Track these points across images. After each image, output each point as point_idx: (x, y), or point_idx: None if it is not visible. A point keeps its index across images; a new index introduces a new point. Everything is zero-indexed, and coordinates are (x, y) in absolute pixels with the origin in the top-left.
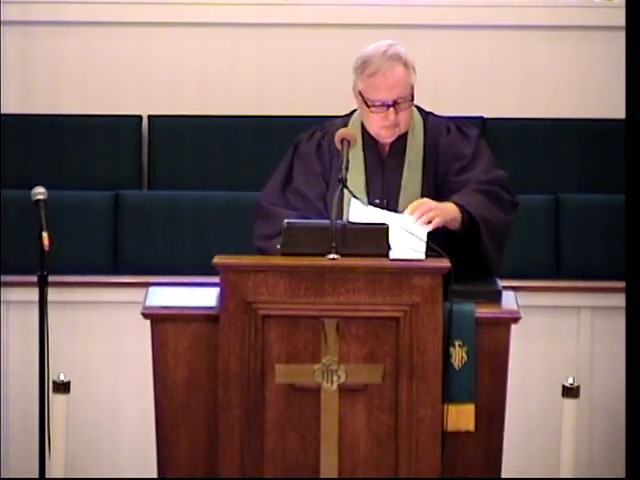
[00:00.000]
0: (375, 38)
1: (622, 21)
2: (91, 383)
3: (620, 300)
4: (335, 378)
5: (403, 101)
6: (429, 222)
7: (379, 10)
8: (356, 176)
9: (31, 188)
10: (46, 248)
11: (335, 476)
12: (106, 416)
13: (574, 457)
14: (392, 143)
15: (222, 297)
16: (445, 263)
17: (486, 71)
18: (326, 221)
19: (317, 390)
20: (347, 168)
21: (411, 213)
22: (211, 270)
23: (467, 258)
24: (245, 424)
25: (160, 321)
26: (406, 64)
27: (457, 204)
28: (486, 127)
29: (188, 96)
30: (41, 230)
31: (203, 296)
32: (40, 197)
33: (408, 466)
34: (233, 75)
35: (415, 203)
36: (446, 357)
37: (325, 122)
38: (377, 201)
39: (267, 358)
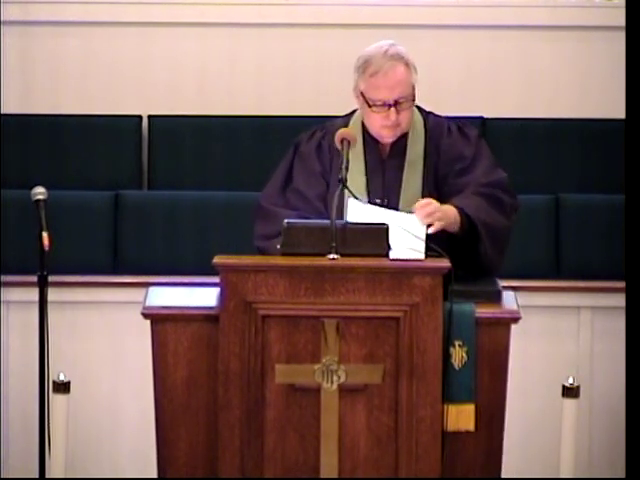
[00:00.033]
0: (375, 38)
1: (622, 21)
2: (91, 383)
3: (620, 300)
4: (335, 378)
5: (404, 101)
6: (431, 224)
7: (379, 10)
8: (356, 176)
9: (31, 188)
10: (46, 248)
11: (335, 476)
12: (106, 416)
13: (574, 457)
14: (393, 143)
15: (222, 297)
16: (445, 263)
17: (486, 71)
18: (326, 221)
19: (317, 390)
20: (347, 168)
21: (418, 211)
22: (211, 270)
23: (466, 260)
24: (245, 424)
25: (160, 321)
26: (407, 64)
27: (457, 207)
28: (486, 127)
29: (188, 96)
30: (41, 230)
31: (203, 296)
32: (40, 197)
33: (408, 466)
34: (233, 75)
35: (422, 202)
36: (446, 357)
37: (326, 122)
38: (378, 201)
39: (267, 358)
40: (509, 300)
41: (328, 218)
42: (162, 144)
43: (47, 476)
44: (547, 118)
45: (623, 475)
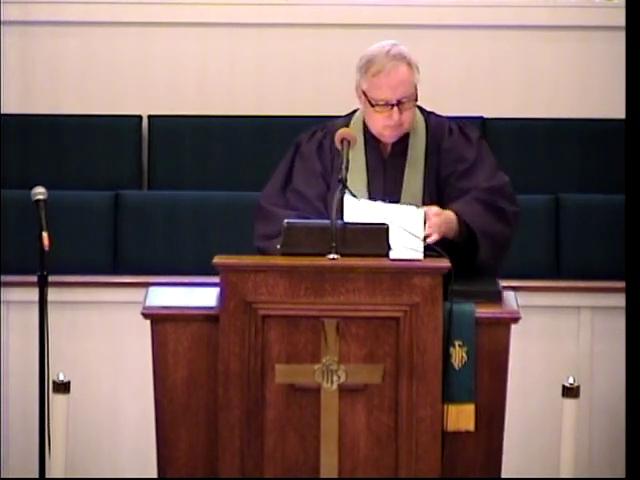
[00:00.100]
0: (375, 38)
1: (622, 21)
2: (91, 383)
3: (620, 300)
4: (335, 378)
5: (407, 100)
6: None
7: (379, 10)
8: (357, 176)
9: (31, 188)
10: (46, 248)
11: (335, 476)
12: (106, 416)
13: (574, 457)
14: (394, 143)
15: (222, 297)
16: (445, 263)
17: (486, 71)
18: (326, 221)
19: (317, 390)
20: (347, 168)
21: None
22: (211, 270)
23: (464, 264)
24: (245, 424)
25: (160, 321)
26: (410, 64)
27: (456, 214)
28: (486, 127)
29: (188, 96)
30: (41, 230)
31: (203, 296)
32: (40, 197)
33: (408, 466)
34: (233, 75)
35: (435, 210)
36: (446, 357)
37: (326, 122)
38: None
39: (267, 358)
40: (509, 300)
41: (328, 218)
42: (162, 144)
43: (47, 476)
44: (547, 118)
45: (623, 475)
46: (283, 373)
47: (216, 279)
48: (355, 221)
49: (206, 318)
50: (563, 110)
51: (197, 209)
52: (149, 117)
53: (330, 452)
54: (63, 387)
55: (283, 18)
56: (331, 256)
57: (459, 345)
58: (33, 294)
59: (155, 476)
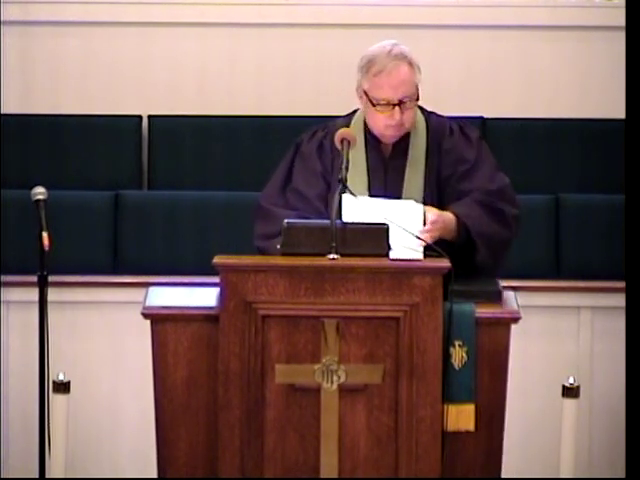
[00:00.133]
0: (375, 38)
1: (622, 21)
2: (91, 383)
3: (620, 300)
4: (335, 378)
5: (408, 100)
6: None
7: (379, 10)
8: (358, 176)
9: (31, 188)
10: (46, 248)
11: (335, 476)
12: (106, 416)
13: (574, 457)
14: (394, 143)
15: (222, 297)
16: (445, 263)
17: (486, 71)
18: (326, 221)
19: (317, 390)
20: (347, 168)
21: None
22: (211, 270)
23: (463, 265)
24: (245, 424)
25: (160, 321)
26: (411, 63)
27: (456, 215)
28: (486, 127)
29: (188, 96)
30: (41, 230)
31: (203, 296)
32: (40, 197)
33: (408, 466)
34: (233, 75)
35: (434, 218)
36: (446, 357)
37: (327, 122)
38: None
39: (267, 358)
40: (509, 300)
41: (328, 218)
42: (162, 144)
43: (47, 476)
44: (547, 118)
45: (623, 475)
46: (283, 373)
47: (216, 279)
48: (355, 220)
49: (206, 318)
50: (563, 110)
51: (197, 209)
52: (149, 117)
53: (330, 452)
54: (63, 387)
55: (283, 18)
56: (331, 256)
57: (459, 345)
58: (33, 294)
59: (155, 476)
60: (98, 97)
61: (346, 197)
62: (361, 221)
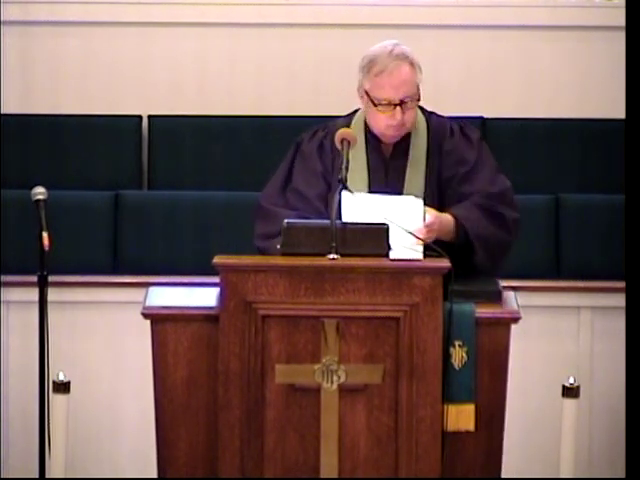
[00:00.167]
0: (375, 38)
1: (622, 21)
2: (91, 383)
3: (620, 300)
4: (335, 378)
5: (409, 100)
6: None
7: (379, 10)
8: (358, 176)
9: (31, 188)
10: (46, 248)
11: (335, 476)
12: (106, 416)
13: (574, 457)
14: (395, 143)
15: (222, 297)
16: (445, 263)
17: (486, 71)
18: (326, 221)
19: (317, 390)
20: (347, 168)
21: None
22: (211, 270)
23: (462, 265)
24: (245, 424)
25: (160, 321)
26: (412, 63)
27: (455, 218)
28: (486, 127)
29: (188, 96)
30: (41, 230)
31: (203, 296)
32: (40, 197)
33: (408, 466)
34: (233, 75)
35: (430, 222)
36: (446, 357)
37: (328, 122)
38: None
39: (267, 358)
40: (509, 300)
41: (328, 218)
42: (162, 144)
43: (47, 476)
44: (547, 118)
45: (623, 475)
46: (283, 373)
47: (216, 279)
48: (354, 217)
49: (206, 318)
50: (563, 110)
51: (197, 209)
52: (149, 117)
53: (330, 452)
54: (63, 387)
55: (283, 18)
56: (331, 256)
57: (459, 345)
58: (33, 294)
59: (155, 476)
60: (98, 97)
61: (345, 194)
62: (361, 219)
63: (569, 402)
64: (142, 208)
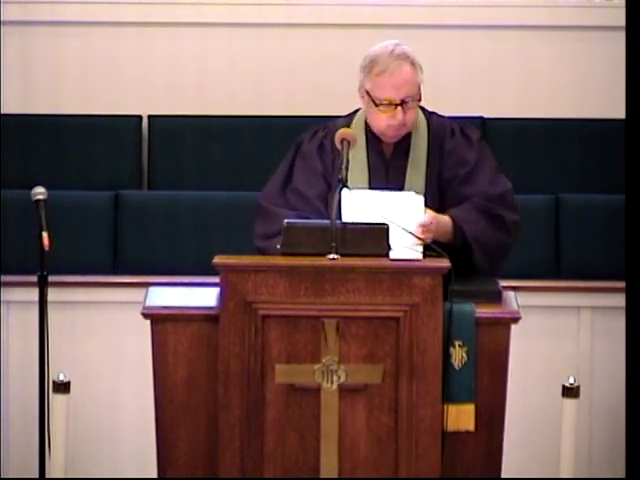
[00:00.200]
0: (375, 38)
1: (622, 21)
2: (91, 383)
3: (620, 300)
4: (335, 378)
5: (411, 100)
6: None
7: (379, 10)
8: (359, 176)
9: (31, 188)
10: (46, 248)
11: (335, 476)
12: (106, 416)
13: (574, 457)
14: (396, 143)
15: (222, 297)
16: (445, 263)
17: (486, 71)
18: (326, 221)
19: (317, 390)
20: (347, 168)
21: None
22: (211, 270)
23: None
24: (245, 424)
25: (160, 321)
26: (413, 63)
27: (453, 220)
28: (486, 127)
29: (188, 96)
30: (41, 230)
31: (203, 296)
32: (40, 197)
33: (408, 466)
34: (233, 75)
35: (426, 221)
36: (446, 357)
37: (328, 122)
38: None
39: (267, 358)
40: (509, 300)
41: (328, 218)
42: (162, 144)
43: (47, 476)
44: (547, 118)
45: (623, 475)
46: (283, 373)
47: (216, 279)
48: (354, 214)
49: (206, 318)
50: (563, 110)
51: (197, 209)
52: (149, 117)
53: (330, 452)
54: (63, 387)
55: (283, 18)
56: (331, 256)
57: (459, 345)
58: (33, 294)
59: (155, 476)
60: (98, 97)
61: (346, 191)
62: (361, 216)
63: (569, 402)
64: (142, 208)
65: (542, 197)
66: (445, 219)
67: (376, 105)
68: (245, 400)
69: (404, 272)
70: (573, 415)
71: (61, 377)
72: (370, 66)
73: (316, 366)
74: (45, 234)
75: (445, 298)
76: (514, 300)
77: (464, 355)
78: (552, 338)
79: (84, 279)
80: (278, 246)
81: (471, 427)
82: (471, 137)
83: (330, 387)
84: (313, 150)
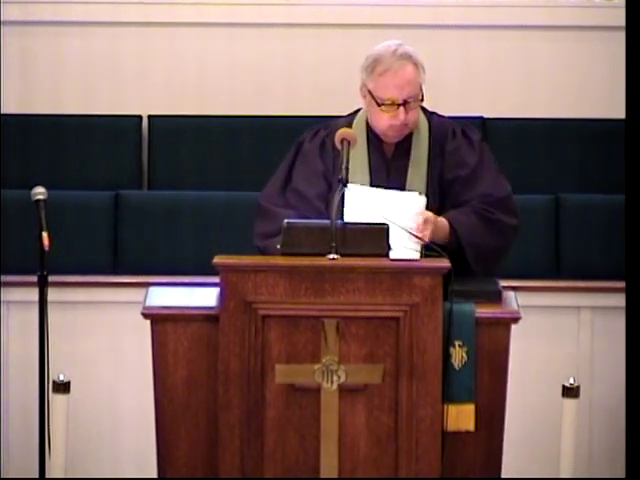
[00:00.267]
0: (375, 38)
1: (622, 21)
2: (91, 383)
3: (620, 300)
4: (335, 378)
5: (413, 100)
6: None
7: (379, 10)
8: (360, 176)
9: (31, 188)
10: (46, 248)
11: (335, 476)
12: (106, 416)
13: (574, 457)
14: (397, 143)
15: (222, 297)
16: (445, 263)
17: (486, 71)
18: (326, 221)
19: (317, 390)
20: (347, 168)
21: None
22: (211, 270)
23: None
24: (245, 424)
25: (160, 321)
26: (416, 63)
27: (450, 224)
28: (486, 127)
29: (188, 96)
30: (41, 230)
31: (203, 296)
32: (40, 197)
33: (408, 466)
34: (233, 75)
35: (425, 218)
36: (446, 357)
37: (329, 121)
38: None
39: (267, 358)
40: (509, 300)
41: (328, 218)
42: (162, 144)
43: (47, 476)
44: (547, 118)
45: (623, 475)
46: (283, 373)
47: (216, 279)
48: (356, 214)
49: (206, 318)
50: (563, 110)
51: (197, 209)
52: (149, 117)
53: (330, 452)
54: (63, 387)
55: (283, 18)
56: (331, 256)
57: (459, 345)
58: (33, 294)
59: (155, 476)
60: (98, 97)
61: (349, 190)
62: (362, 215)
63: (569, 402)
64: (142, 208)
65: (542, 197)
66: (442, 221)
67: (378, 105)
68: (245, 400)
69: (404, 272)
70: (573, 415)
71: (61, 377)
72: (373, 66)
73: (316, 366)
74: (45, 234)
75: (445, 298)
76: (514, 300)
77: (464, 355)
78: (552, 338)
79: (84, 279)
80: (278, 246)
81: (471, 427)
82: (472, 138)
83: (330, 387)
84: (314, 149)
